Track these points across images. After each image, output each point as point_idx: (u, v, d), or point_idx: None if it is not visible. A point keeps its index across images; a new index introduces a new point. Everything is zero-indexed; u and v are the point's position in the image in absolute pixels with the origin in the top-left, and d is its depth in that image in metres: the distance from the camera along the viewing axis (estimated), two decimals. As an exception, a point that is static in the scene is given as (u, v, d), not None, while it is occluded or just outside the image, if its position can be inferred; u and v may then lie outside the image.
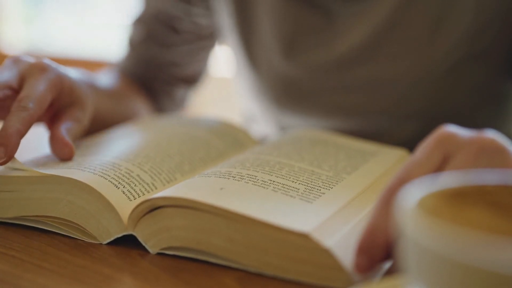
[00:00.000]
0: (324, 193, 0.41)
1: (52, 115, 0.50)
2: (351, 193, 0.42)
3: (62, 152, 0.46)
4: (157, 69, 0.75)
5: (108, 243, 0.41)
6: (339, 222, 0.37)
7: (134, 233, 0.40)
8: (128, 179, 0.44)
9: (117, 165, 0.45)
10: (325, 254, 0.34)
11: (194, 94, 0.81)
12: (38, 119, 0.46)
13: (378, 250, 0.32)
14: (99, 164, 0.45)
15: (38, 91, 0.45)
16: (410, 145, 0.52)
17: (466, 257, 0.20)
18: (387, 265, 0.34)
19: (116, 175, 0.43)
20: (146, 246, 0.40)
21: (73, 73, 0.53)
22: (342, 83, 0.64)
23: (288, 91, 0.68)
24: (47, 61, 0.48)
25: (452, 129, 0.35)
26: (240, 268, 0.37)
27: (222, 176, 0.42)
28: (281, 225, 0.35)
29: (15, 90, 0.46)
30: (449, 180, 0.26)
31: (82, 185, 0.41)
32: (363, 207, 0.40)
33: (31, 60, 0.48)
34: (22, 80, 0.46)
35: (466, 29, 0.59)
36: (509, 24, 0.59)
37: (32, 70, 0.47)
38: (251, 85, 0.72)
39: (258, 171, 0.43)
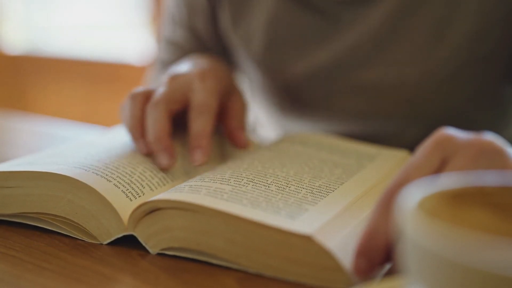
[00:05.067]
0: (325, 196, 0.41)
1: (219, 112, 0.53)
2: (353, 195, 0.42)
3: (238, 145, 0.52)
4: None
5: (108, 243, 0.41)
6: (341, 224, 0.37)
7: (134, 234, 0.40)
8: (129, 179, 0.44)
9: (118, 165, 0.45)
10: (327, 256, 0.34)
11: None
12: (215, 118, 0.50)
13: (377, 253, 0.32)
14: (100, 164, 0.45)
15: (207, 99, 0.49)
16: (413, 148, 0.53)
17: (466, 258, 0.20)
18: (387, 266, 0.34)
19: (116, 175, 0.43)
20: (146, 247, 0.40)
21: (223, 68, 0.57)
22: (345, 87, 0.64)
23: (291, 96, 0.68)
24: (207, 70, 0.52)
25: (450, 131, 0.35)
26: (240, 269, 0.37)
27: (224, 180, 0.42)
28: (283, 227, 0.35)
29: (182, 103, 0.49)
30: (449, 181, 0.26)
31: (83, 185, 0.41)
32: (364, 209, 0.40)
33: (192, 72, 0.51)
34: (186, 92, 0.50)
35: (469, 32, 0.59)
36: None
37: (195, 81, 0.50)
38: (255, 91, 0.72)
39: (259, 175, 0.43)
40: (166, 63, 0.75)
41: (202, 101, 0.48)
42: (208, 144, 0.46)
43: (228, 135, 0.52)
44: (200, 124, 0.47)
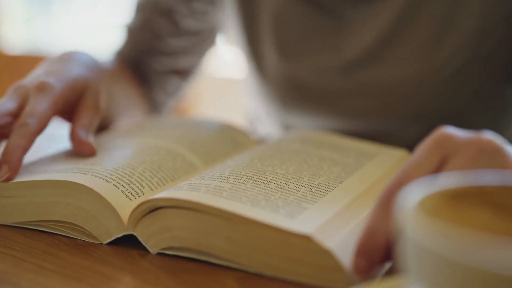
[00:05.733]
0: (324, 195, 0.41)
1: (69, 115, 0.52)
2: (352, 194, 0.42)
3: (81, 151, 0.49)
4: (150, 58, 0.74)
5: (108, 243, 0.41)
6: (340, 223, 0.37)
7: (134, 233, 0.40)
8: (128, 179, 0.44)
9: (117, 166, 0.45)
10: (326, 256, 0.34)
11: (187, 88, 0.81)
12: (41, 132, 0.47)
13: (377, 252, 0.32)
14: (99, 166, 0.45)
15: (37, 108, 0.47)
16: (414, 147, 0.52)
17: (466, 258, 0.20)
18: (387, 265, 0.34)
19: (115, 176, 0.43)
20: (147, 246, 0.40)
21: (74, 66, 0.54)
22: (349, 85, 0.64)
23: (294, 93, 0.68)
24: (46, 79, 0.49)
25: (450, 130, 0.35)
26: (240, 269, 0.37)
27: (223, 178, 0.42)
28: (283, 226, 0.35)
29: (16, 115, 0.47)
30: (449, 180, 0.26)
31: (81, 187, 0.41)
32: (363, 209, 0.40)
33: (31, 83, 0.49)
34: (23, 103, 0.48)
35: (472, 32, 0.59)
36: None
37: (31, 91, 0.48)
38: (258, 86, 0.72)
39: (258, 173, 0.43)
40: (129, 30, 0.75)
41: (28, 115, 0.46)
42: (18, 160, 0.44)
43: (71, 139, 0.50)
44: (15, 139, 0.45)
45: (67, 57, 0.56)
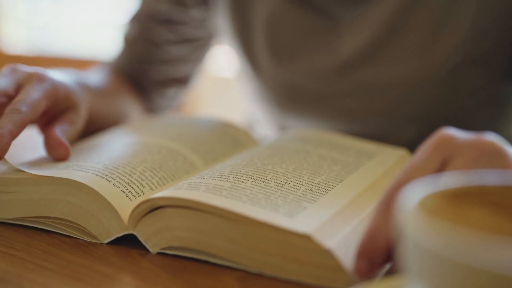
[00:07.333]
0: (324, 194, 0.41)
1: (47, 121, 0.51)
2: (352, 193, 0.42)
3: (57, 152, 0.47)
4: (149, 68, 0.75)
5: (109, 243, 0.41)
6: (340, 222, 0.37)
7: (134, 233, 0.40)
8: (128, 178, 0.44)
9: (117, 165, 0.45)
10: (326, 255, 0.34)
11: (186, 94, 0.81)
12: (31, 123, 0.46)
13: (378, 254, 0.32)
14: (99, 165, 0.45)
15: (32, 96, 0.46)
16: (411, 147, 0.53)
17: (466, 258, 0.20)
18: (387, 266, 0.34)
19: (116, 175, 0.43)
20: (147, 246, 0.40)
21: (67, 78, 0.54)
22: (344, 87, 0.64)
23: (290, 95, 0.68)
24: (43, 71, 0.49)
25: (451, 131, 0.35)
26: (240, 268, 0.37)
27: (223, 177, 0.42)
28: (283, 226, 0.35)
29: (11, 97, 0.47)
30: (450, 180, 0.26)
31: (82, 186, 0.41)
32: (363, 208, 0.40)
33: (29, 69, 0.49)
34: (18, 88, 0.47)
35: (467, 32, 0.59)
36: (510, 28, 0.59)
37: (29, 78, 0.48)
38: (253, 89, 0.72)
39: (258, 171, 0.43)
40: (126, 40, 0.75)
41: (22, 102, 0.45)
42: (5, 145, 0.43)
43: (46, 139, 0.48)
44: (7, 123, 0.44)
45: (62, 71, 0.56)
